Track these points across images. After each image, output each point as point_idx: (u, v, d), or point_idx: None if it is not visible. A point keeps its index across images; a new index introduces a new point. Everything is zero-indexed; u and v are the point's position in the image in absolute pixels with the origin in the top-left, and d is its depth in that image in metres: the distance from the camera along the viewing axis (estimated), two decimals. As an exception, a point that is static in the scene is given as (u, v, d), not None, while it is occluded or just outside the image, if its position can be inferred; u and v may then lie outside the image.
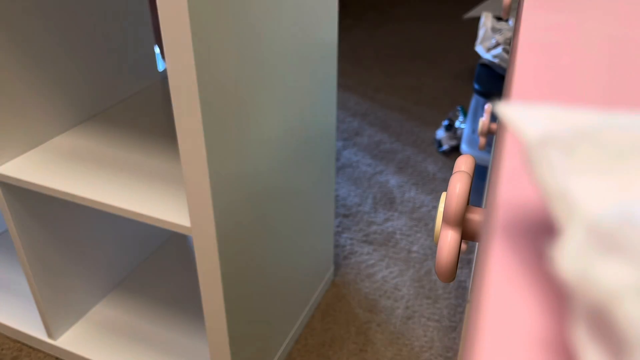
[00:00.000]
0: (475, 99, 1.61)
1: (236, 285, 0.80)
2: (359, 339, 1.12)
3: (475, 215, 0.34)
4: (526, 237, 0.19)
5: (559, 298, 0.17)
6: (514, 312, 0.17)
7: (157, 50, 1.11)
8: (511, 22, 1.51)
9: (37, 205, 0.93)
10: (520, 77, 0.31)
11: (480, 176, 1.54)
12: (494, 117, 1.17)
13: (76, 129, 0.97)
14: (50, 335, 1.05)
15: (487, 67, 1.49)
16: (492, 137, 1.46)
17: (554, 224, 0.20)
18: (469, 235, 0.34)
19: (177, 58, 0.60)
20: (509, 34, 1.48)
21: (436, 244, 0.35)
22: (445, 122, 1.78)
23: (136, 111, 1.03)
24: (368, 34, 2.77)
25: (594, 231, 0.14)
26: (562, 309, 0.17)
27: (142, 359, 1.01)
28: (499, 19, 1.55)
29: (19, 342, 1.11)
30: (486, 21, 1.52)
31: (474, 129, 1.55)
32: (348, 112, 1.99)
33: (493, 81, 1.47)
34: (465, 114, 1.82)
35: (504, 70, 1.46)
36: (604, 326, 0.12)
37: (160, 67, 1.80)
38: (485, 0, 3.06)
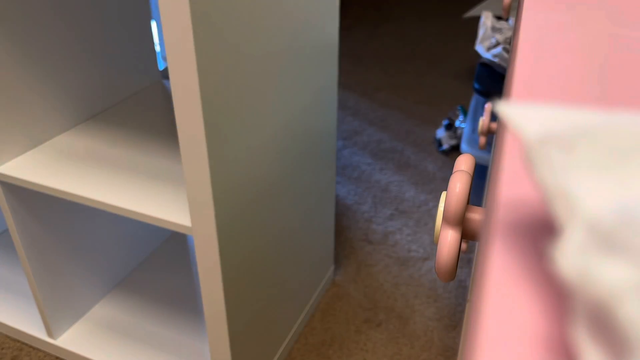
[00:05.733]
0: (475, 99, 1.60)
1: (236, 284, 0.80)
2: (359, 338, 1.12)
3: (476, 215, 0.34)
4: (526, 237, 0.19)
5: (559, 297, 0.17)
6: (514, 311, 0.17)
7: (157, 50, 1.11)
8: (511, 21, 1.51)
9: (37, 205, 0.93)
10: (520, 76, 0.31)
11: (481, 175, 1.54)
12: (494, 117, 1.17)
13: (76, 128, 0.97)
14: (50, 334, 1.05)
15: (487, 66, 1.49)
16: (492, 137, 1.46)
17: (554, 223, 0.20)
18: (469, 234, 0.34)
19: (178, 57, 0.60)
20: (509, 33, 1.48)
21: (436, 244, 0.34)
22: (445, 122, 1.78)
23: (136, 111, 1.03)
24: (368, 33, 2.76)
25: (594, 230, 0.14)
26: (562, 308, 0.17)
27: (142, 359, 1.01)
28: (499, 18, 1.55)
29: (19, 341, 1.11)
30: (486, 20, 1.52)
31: (474, 128, 1.55)
32: (348, 112, 1.99)
33: (493, 80, 1.47)
34: (465, 114, 1.81)
35: (504, 69, 1.46)
36: (604, 326, 0.12)
37: (161, 66, 1.80)
38: (485, -1, 3.06)
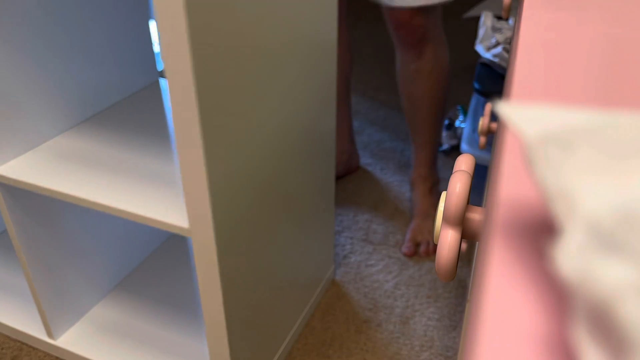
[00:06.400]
0: (475, 98, 1.61)
1: (235, 285, 0.80)
2: (359, 338, 1.12)
3: (476, 215, 0.34)
4: (526, 237, 0.19)
5: (559, 297, 0.17)
6: (514, 311, 0.16)
7: (156, 50, 1.11)
8: (511, 21, 1.51)
9: (36, 206, 0.93)
10: (520, 76, 0.31)
11: (481, 175, 1.54)
12: (494, 117, 1.17)
13: (75, 129, 0.97)
14: (50, 334, 1.05)
15: (487, 66, 1.49)
16: (492, 137, 1.46)
17: (554, 223, 0.20)
18: (469, 234, 0.34)
19: (174, 57, 0.60)
20: (509, 33, 1.47)
21: (436, 243, 0.34)
22: (446, 122, 1.78)
23: (136, 111, 1.03)
24: (368, 32, 2.76)
25: (594, 230, 0.13)
26: (562, 308, 0.17)
27: (141, 359, 1.01)
28: (499, 18, 1.54)
29: (19, 341, 1.11)
30: (486, 20, 1.52)
31: (474, 128, 1.55)
32: (348, 112, 1.99)
33: (493, 80, 1.47)
34: (465, 113, 1.81)
35: (504, 69, 1.46)
36: (604, 326, 0.12)
37: (159, 67, 1.80)
38: (485, -1, 3.05)
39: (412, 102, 1.32)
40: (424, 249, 1.34)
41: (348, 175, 1.63)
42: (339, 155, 1.56)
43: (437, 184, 1.44)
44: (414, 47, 1.23)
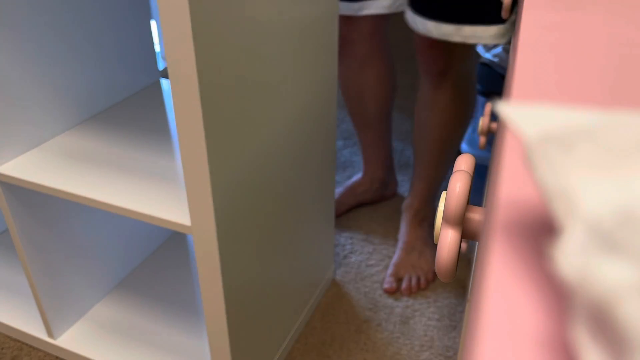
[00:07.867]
0: (475, 98, 1.60)
1: (236, 284, 0.80)
2: (359, 338, 1.12)
3: (476, 215, 0.34)
4: (526, 236, 0.19)
5: (559, 297, 0.17)
6: (514, 311, 0.17)
7: (157, 49, 1.11)
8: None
9: (37, 205, 0.93)
10: (520, 76, 0.31)
11: (481, 175, 1.54)
12: (494, 117, 1.17)
13: (76, 128, 0.97)
14: (50, 334, 1.05)
15: (488, 66, 1.49)
16: (492, 137, 1.46)
17: (554, 223, 0.20)
18: (469, 234, 0.34)
19: (177, 56, 0.60)
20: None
21: (436, 243, 0.34)
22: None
23: (137, 110, 1.03)
24: (368, 33, 2.76)
25: (594, 230, 0.14)
26: (562, 308, 0.17)
27: (142, 359, 1.01)
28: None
29: (19, 341, 1.11)
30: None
31: (474, 128, 1.55)
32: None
33: (493, 80, 1.47)
34: (465, 113, 1.81)
35: (504, 69, 1.46)
36: (604, 326, 0.12)
37: (160, 66, 1.80)
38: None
39: (421, 130, 1.25)
40: (407, 285, 1.24)
41: (378, 203, 1.54)
42: (369, 183, 1.48)
43: (429, 218, 1.35)
44: (434, 76, 1.16)
